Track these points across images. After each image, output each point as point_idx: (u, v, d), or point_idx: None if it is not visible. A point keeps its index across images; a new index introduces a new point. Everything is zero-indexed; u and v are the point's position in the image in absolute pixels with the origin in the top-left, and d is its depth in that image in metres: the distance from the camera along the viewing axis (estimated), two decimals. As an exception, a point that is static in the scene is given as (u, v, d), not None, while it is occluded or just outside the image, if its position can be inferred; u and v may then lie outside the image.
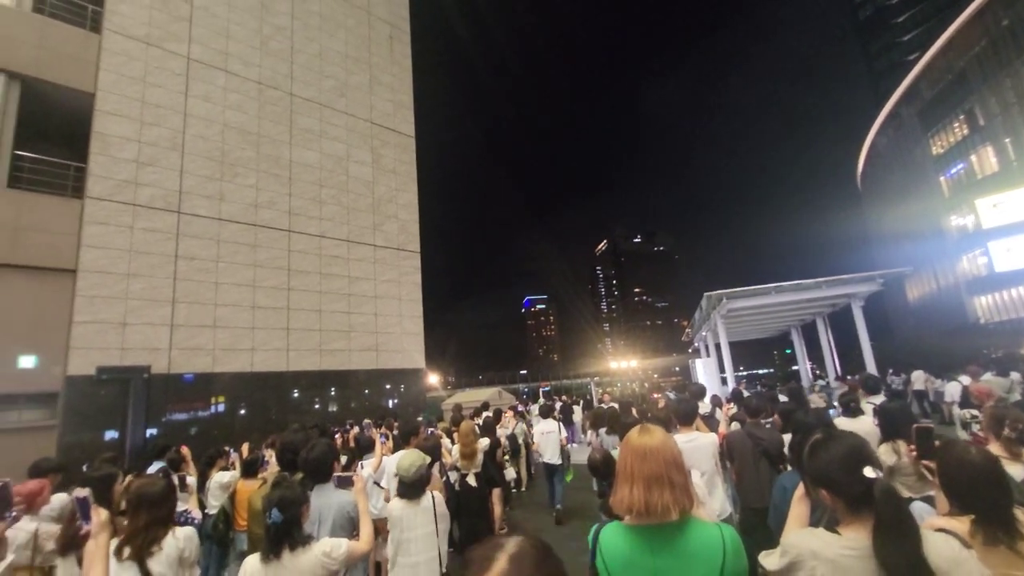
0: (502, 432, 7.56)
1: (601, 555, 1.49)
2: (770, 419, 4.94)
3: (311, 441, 3.13)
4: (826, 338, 16.14)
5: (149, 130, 11.24)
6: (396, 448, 5.15)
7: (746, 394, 8.20)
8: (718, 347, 13.88)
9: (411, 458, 3.03)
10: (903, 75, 41.78)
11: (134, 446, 9.46)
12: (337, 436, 6.19)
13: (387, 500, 4.15)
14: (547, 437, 7.53)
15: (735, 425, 4.53)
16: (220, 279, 11.76)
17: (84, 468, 4.28)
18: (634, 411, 6.40)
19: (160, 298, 10.82)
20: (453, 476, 5.84)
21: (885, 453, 3.42)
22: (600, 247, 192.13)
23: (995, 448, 2.58)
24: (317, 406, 13.19)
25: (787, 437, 3.90)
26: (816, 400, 9.50)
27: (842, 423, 4.10)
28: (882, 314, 47.43)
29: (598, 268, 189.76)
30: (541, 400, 13.66)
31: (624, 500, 1.45)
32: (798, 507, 1.63)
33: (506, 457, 7.45)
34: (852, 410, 4.06)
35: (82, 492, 2.22)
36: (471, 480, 5.72)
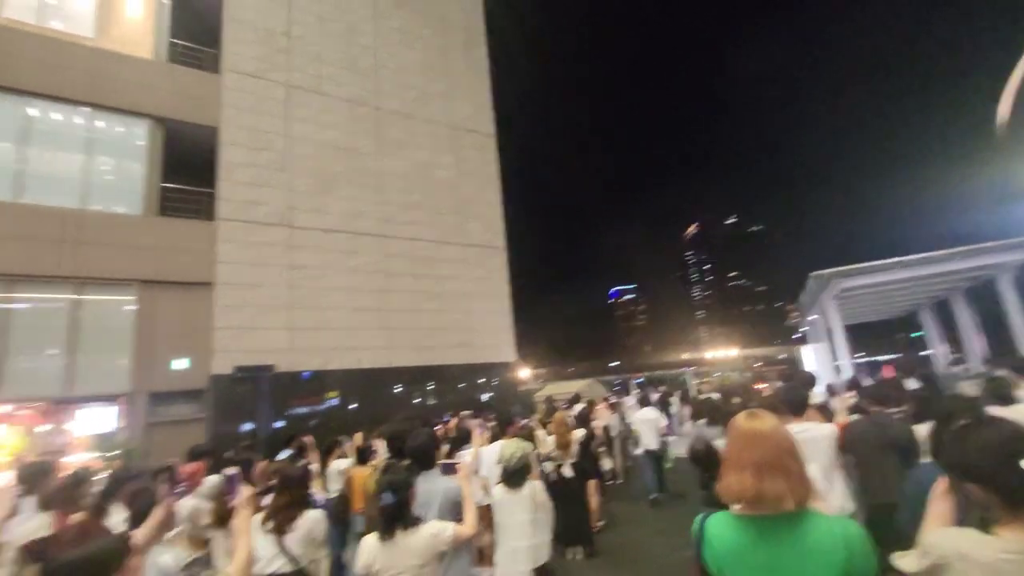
0: (596, 424, 7.54)
1: (709, 547, 1.41)
2: (899, 409, 4.45)
3: (415, 431, 3.36)
4: (966, 318, 14.08)
5: (260, 154, 12.56)
6: (493, 439, 5.34)
7: (867, 382, 7.44)
8: (830, 332, 12.65)
9: (513, 447, 3.15)
10: (1058, 1, 35.20)
11: (265, 436, 10.68)
12: (438, 428, 6.54)
13: (483, 488, 4.33)
14: (647, 424, 7.77)
15: (855, 416, 4.15)
16: (326, 285, 12.85)
17: (227, 454, 4.93)
18: (736, 401, 6.08)
19: (278, 304, 12.07)
20: (548, 467, 5.96)
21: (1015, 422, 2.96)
22: (690, 231, 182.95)
23: None
24: (417, 400, 13.96)
25: (921, 428, 3.50)
26: (968, 389, 8.38)
27: (995, 412, 3.61)
28: (1040, 287, 40.32)
29: (689, 253, 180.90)
30: (635, 391, 13.36)
31: (732, 487, 1.37)
32: (939, 504, 1.43)
33: (601, 449, 7.43)
34: (1004, 397, 3.54)
35: (232, 471, 2.57)
36: (566, 471, 5.80)
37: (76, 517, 3.14)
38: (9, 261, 9.47)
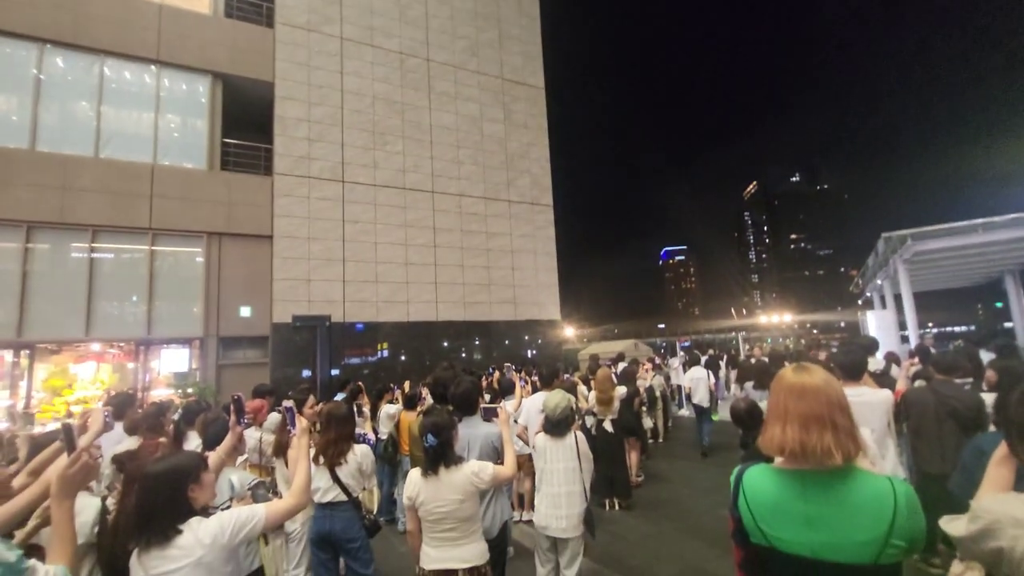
0: (640, 383, 7.54)
1: (745, 497, 1.39)
2: (968, 379, 4.18)
3: (458, 378, 3.49)
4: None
5: (315, 109, 12.78)
6: (535, 391, 5.45)
7: (934, 351, 6.99)
8: (897, 298, 11.85)
9: (557, 398, 3.22)
10: None
11: (322, 381, 11.38)
12: (483, 378, 6.76)
13: (520, 436, 4.49)
14: (698, 382, 8.44)
15: (919, 383, 3.94)
16: (378, 239, 13.21)
17: (289, 394, 5.33)
18: (787, 365, 5.91)
19: (333, 257, 12.56)
20: (589, 421, 6.05)
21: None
22: (749, 190, 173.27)
23: None
24: (464, 354, 14.37)
25: (990, 398, 3.29)
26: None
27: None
28: None
29: (746, 214, 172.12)
30: (680, 353, 13.21)
31: (775, 439, 1.33)
32: (998, 469, 1.37)
33: (643, 408, 7.45)
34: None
35: (288, 403, 2.78)
36: (607, 426, 5.88)
37: (159, 441, 3.52)
38: (93, 213, 10.28)
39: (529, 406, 4.82)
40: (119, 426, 3.79)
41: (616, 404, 5.89)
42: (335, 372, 12.17)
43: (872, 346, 5.46)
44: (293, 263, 12.03)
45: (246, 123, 12.80)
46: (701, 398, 8.29)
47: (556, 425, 3.14)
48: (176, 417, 4.15)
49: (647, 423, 7.47)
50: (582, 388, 6.39)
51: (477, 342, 14.76)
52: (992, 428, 3.17)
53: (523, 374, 6.35)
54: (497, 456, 3.08)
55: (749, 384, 5.84)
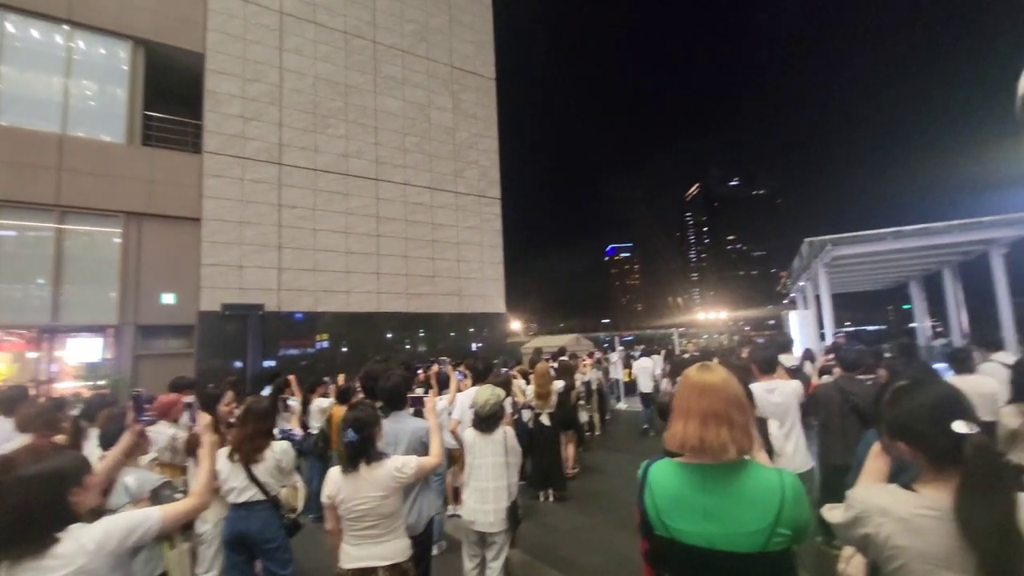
0: (578, 377, 7.67)
1: (650, 491, 1.44)
2: (871, 375, 4.52)
3: (388, 372, 3.39)
4: (953, 292, 14.15)
5: (251, 86, 12.06)
6: (475, 385, 5.42)
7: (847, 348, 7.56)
8: (818, 299, 12.72)
9: (487, 394, 3.19)
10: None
11: (253, 374, 10.84)
12: (420, 372, 6.65)
13: (452, 431, 4.47)
14: (642, 371, 9.48)
15: (827, 378, 4.23)
16: (318, 226, 12.70)
17: (209, 387, 5.01)
18: (716, 361, 6.20)
19: (268, 243, 11.95)
20: (527, 415, 6.10)
21: (1011, 415, 3.04)
22: (691, 192, 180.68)
23: None
24: (408, 346, 14.14)
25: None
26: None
27: (956, 383, 3.67)
28: (1033, 266, 40.68)
29: (688, 215, 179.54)
30: (619, 349, 13.61)
31: (677, 435, 1.40)
32: (874, 461, 1.47)
33: (580, 402, 7.60)
34: (963, 364, 3.61)
35: (189, 398, 2.60)
36: (544, 419, 5.94)
37: (56, 439, 3.20)
38: (-11, 184, 9.24)
39: (464, 401, 4.79)
40: (8, 423, 3.44)
41: (553, 398, 5.97)
42: (270, 364, 11.63)
43: (787, 344, 5.83)
44: (223, 248, 11.33)
45: (173, 96, 11.91)
46: (644, 386, 9.25)
47: (485, 420, 3.12)
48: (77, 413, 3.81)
49: (583, 416, 7.63)
50: (520, 382, 6.42)
51: (422, 334, 14.56)
52: None
53: (462, 368, 6.30)
54: (425, 451, 3.03)
55: (680, 379, 6.08)
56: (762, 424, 2.49)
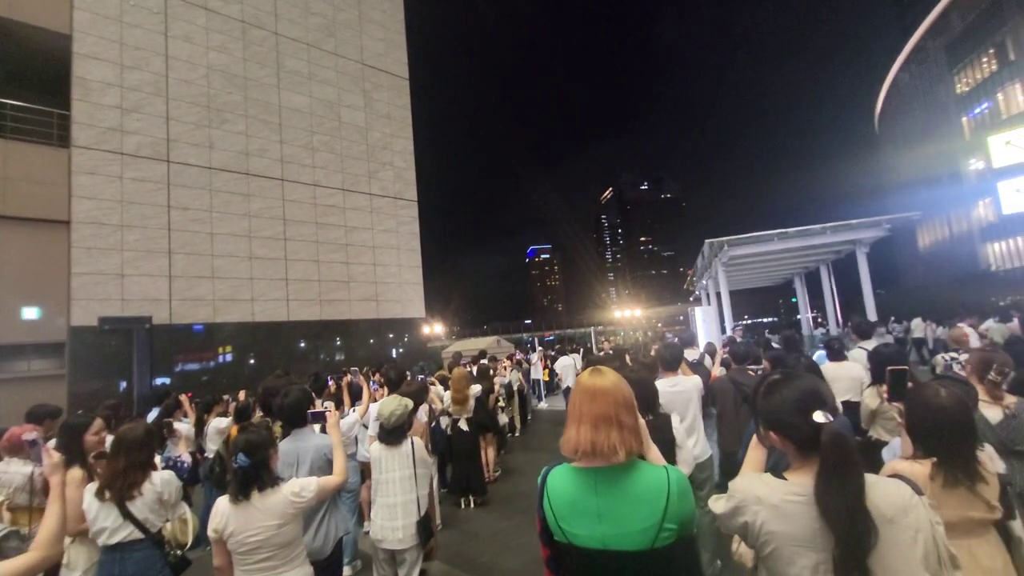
0: (497, 380, 7.66)
1: (548, 498, 1.46)
2: (760, 366, 4.92)
3: (287, 387, 3.14)
4: (829, 286, 15.98)
5: (131, 74, 10.83)
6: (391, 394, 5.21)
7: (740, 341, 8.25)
8: (719, 296, 13.79)
9: (392, 405, 3.04)
10: (932, 5, 39.10)
11: (141, 394, 9.73)
12: (331, 383, 6.29)
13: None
14: (566, 369, 9.79)
15: (722, 371, 4.54)
16: (215, 229, 11.67)
17: (77, 415, 4.38)
18: (627, 358, 6.43)
19: (156, 249, 10.79)
20: (445, 421, 5.98)
21: (870, 396, 3.42)
22: (606, 195, 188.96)
23: (978, 390, 2.54)
24: (323, 355, 13.43)
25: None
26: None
27: (829, 368, 4.08)
28: (891, 262, 47.03)
29: (603, 216, 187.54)
30: (539, 349, 13.86)
31: (571, 440, 1.41)
32: (753, 452, 1.58)
33: (500, 404, 7.59)
34: (836, 352, 4.03)
35: (31, 435, 2.23)
36: (463, 425, 5.85)
37: None
38: None
39: (375, 412, 4.58)
40: None
41: (471, 403, 5.90)
42: (164, 381, 10.51)
43: (690, 339, 6.22)
44: (100, 255, 10.06)
45: (32, 81, 10.40)
46: (569, 381, 9.52)
47: (391, 433, 2.98)
48: None
49: (503, 419, 7.63)
50: (437, 388, 6.29)
51: (338, 342, 13.89)
52: None
53: (377, 376, 6.05)
54: (331, 469, 2.83)
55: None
56: (665, 419, 2.59)
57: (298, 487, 2.32)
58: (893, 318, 15.70)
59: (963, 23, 35.77)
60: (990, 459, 1.75)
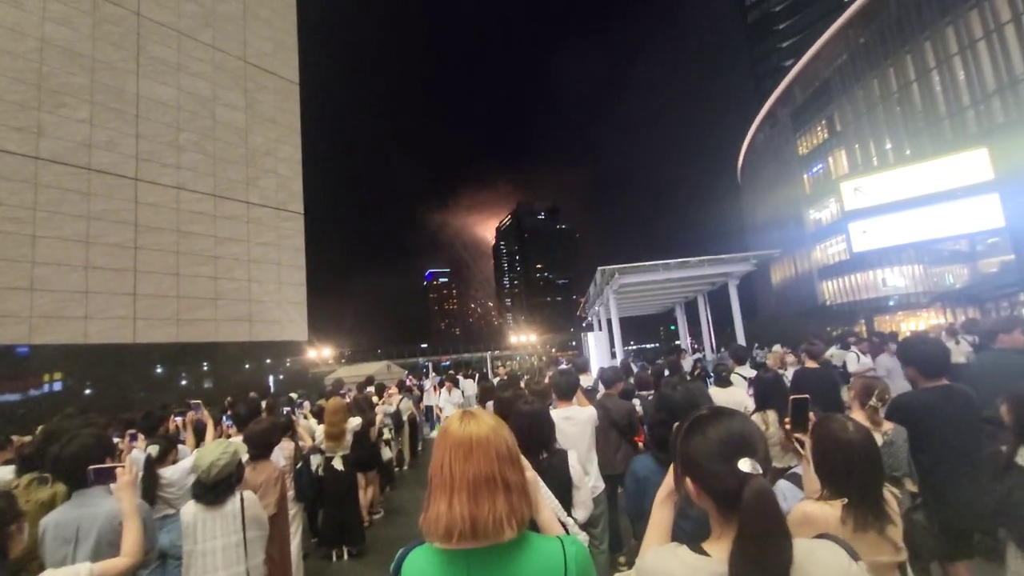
0: (381, 409, 6.98)
1: None
2: (650, 391, 4.93)
3: (73, 432, 2.34)
4: (705, 314, 17.40)
5: (-72, 34, 8.72)
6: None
7: (635, 368, 8.44)
8: (609, 322, 14.31)
9: (214, 454, 2.35)
10: (782, 78, 46.08)
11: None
12: (173, 420, 5.19)
13: None
14: (448, 405, 9.42)
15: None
16: (39, 232, 9.63)
17: None
18: (522, 384, 6.17)
19: (-52, 252, 8.60)
20: (316, 460, 5.20)
21: (754, 422, 3.43)
22: (504, 222, 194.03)
23: (858, 415, 2.59)
24: (184, 382, 11.62)
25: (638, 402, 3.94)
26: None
27: (714, 393, 4.12)
28: (750, 296, 53.26)
29: (502, 243, 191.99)
30: (432, 375, 13.23)
31: (442, 520, 1.01)
32: (660, 512, 1.27)
33: (386, 437, 6.92)
34: (724, 380, 4.09)
35: None
36: (337, 464, 5.13)
37: None
38: None
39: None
40: None
41: (348, 437, 5.22)
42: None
43: (584, 366, 6.15)
44: None
45: None
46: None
47: (212, 489, 2.30)
48: None
49: (387, 453, 6.95)
50: (309, 422, 5.51)
51: (205, 368, 12.11)
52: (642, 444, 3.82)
53: (231, 411, 5.12)
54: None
55: (490, 403, 5.90)
56: (562, 457, 2.27)
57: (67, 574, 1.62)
58: (757, 344, 17.42)
59: (803, 96, 42.48)
60: (895, 498, 1.66)
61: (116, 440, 4.12)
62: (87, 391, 10.11)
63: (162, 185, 11.53)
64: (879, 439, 2.43)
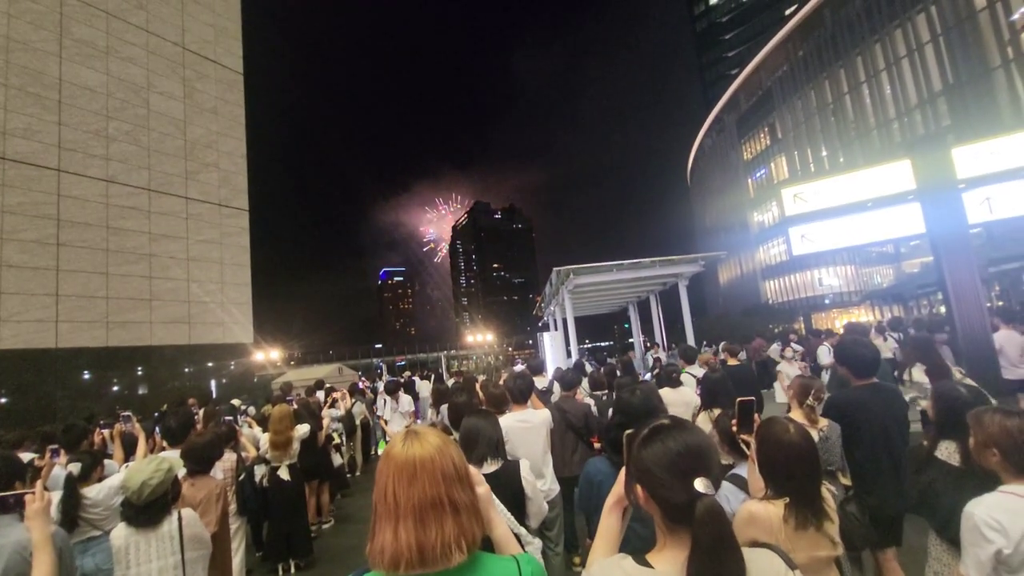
0: (331, 413, 6.75)
1: None
2: (604, 391, 5.00)
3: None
4: (657, 313, 17.91)
5: None
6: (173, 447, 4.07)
7: (589, 367, 8.56)
8: (565, 321, 14.47)
9: (145, 472, 2.17)
10: (728, 85, 48.08)
11: None
12: (99, 433, 4.80)
13: None
14: (396, 416, 7.94)
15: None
16: (-58, 226, 8.74)
17: None
18: (478, 387, 6.12)
19: None
20: (260, 471, 4.96)
21: (702, 421, 3.54)
22: (460, 221, 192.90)
23: (796, 414, 2.72)
24: (116, 388, 10.84)
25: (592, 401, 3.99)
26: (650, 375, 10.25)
27: (665, 393, 4.22)
28: (700, 295, 55.39)
29: (458, 242, 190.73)
30: (386, 376, 12.94)
31: (387, 550, 0.97)
32: (608, 519, 1.28)
33: (336, 442, 6.70)
34: (674, 380, 4.19)
35: None
36: (283, 473, 4.91)
37: None
38: None
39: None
40: None
41: (295, 446, 5.01)
42: None
43: (539, 367, 6.19)
44: None
45: None
46: (397, 426, 8.31)
47: (145, 511, 2.14)
48: None
49: (338, 460, 6.73)
50: (253, 431, 5.25)
51: (140, 373, 11.33)
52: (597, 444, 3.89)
53: (161, 424, 4.80)
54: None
55: (444, 407, 5.82)
56: (513, 468, 2.25)
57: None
58: (705, 342, 18.09)
59: (748, 103, 44.51)
60: (831, 495, 1.74)
61: (34, 457, 3.77)
62: (1, 400, 9.27)
63: (89, 177, 10.68)
64: (815, 435, 2.56)
